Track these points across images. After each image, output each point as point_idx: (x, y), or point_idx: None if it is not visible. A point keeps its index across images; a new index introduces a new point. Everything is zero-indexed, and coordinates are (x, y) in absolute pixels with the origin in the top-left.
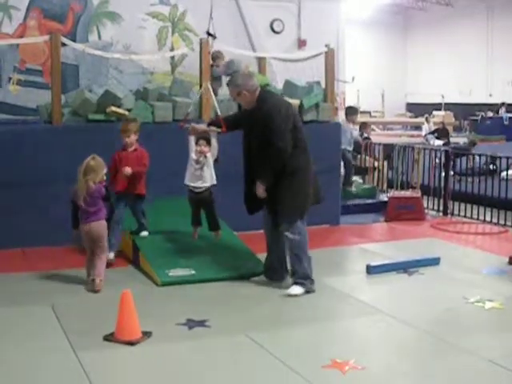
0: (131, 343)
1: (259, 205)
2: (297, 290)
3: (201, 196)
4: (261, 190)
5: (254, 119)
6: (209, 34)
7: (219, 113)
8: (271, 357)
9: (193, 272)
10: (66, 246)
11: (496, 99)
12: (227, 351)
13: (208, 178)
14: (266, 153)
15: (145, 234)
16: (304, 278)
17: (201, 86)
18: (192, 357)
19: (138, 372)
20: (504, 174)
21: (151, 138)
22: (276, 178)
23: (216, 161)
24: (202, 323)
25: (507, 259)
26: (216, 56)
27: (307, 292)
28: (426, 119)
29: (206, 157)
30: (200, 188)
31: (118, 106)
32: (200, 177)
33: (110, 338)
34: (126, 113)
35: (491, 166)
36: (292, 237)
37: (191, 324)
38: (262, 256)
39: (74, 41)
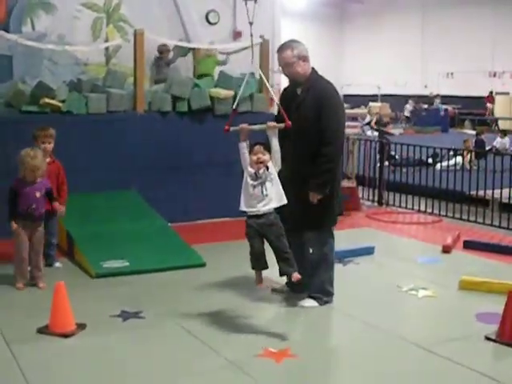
0: (65, 335)
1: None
2: (307, 302)
3: (264, 221)
4: (315, 198)
5: (298, 102)
6: None
7: (277, 101)
8: (205, 346)
9: (127, 263)
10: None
11: (431, 91)
12: (161, 342)
13: (274, 197)
14: (314, 148)
15: (58, 265)
16: (318, 292)
17: (135, 77)
18: (126, 348)
19: (72, 364)
20: (439, 164)
21: (85, 130)
22: (303, 183)
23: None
24: (136, 314)
25: (441, 248)
26: (166, 49)
27: (320, 306)
28: (369, 111)
29: (267, 168)
30: (262, 211)
31: (52, 98)
32: (262, 197)
33: (43, 330)
34: (60, 104)
35: (429, 160)
36: (313, 249)
37: (125, 315)
38: (197, 247)
39: (8, 31)
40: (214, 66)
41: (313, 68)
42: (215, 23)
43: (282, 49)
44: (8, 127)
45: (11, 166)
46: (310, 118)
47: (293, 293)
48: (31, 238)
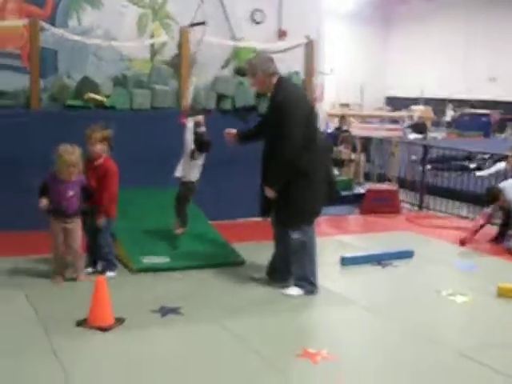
0: (104, 329)
1: (271, 207)
2: (292, 290)
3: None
4: (270, 193)
5: (268, 110)
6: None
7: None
8: (243, 345)
9: (167, 259)
10: (41, 231)
11: (475, 95)
12: (199, 339)
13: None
14: (274, 150)
15: (111, 274)
16: (301, 280)
17: (180, 74)
18: (164, 344)
19: (109, 358)
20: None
21: (128, 126)
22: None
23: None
24: (175, 310)
25: (479, 253)
26: None
27: (305, 294)
28: (411, 116)
29: None
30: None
31: (97, 93)
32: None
33: (82, 323)
34: (104, 99)
35: (472, 165)
36: (294, 236)
37: (164, 311)
38: (237, 246)
39: (54, 25)
40: None
41: (281, 77)
42: (260, 22)
43: (245, 64)
44: (52, 120)
45: (50, 159)
46: (272, 124)
47: (271, 281)
48: (66, 234)
